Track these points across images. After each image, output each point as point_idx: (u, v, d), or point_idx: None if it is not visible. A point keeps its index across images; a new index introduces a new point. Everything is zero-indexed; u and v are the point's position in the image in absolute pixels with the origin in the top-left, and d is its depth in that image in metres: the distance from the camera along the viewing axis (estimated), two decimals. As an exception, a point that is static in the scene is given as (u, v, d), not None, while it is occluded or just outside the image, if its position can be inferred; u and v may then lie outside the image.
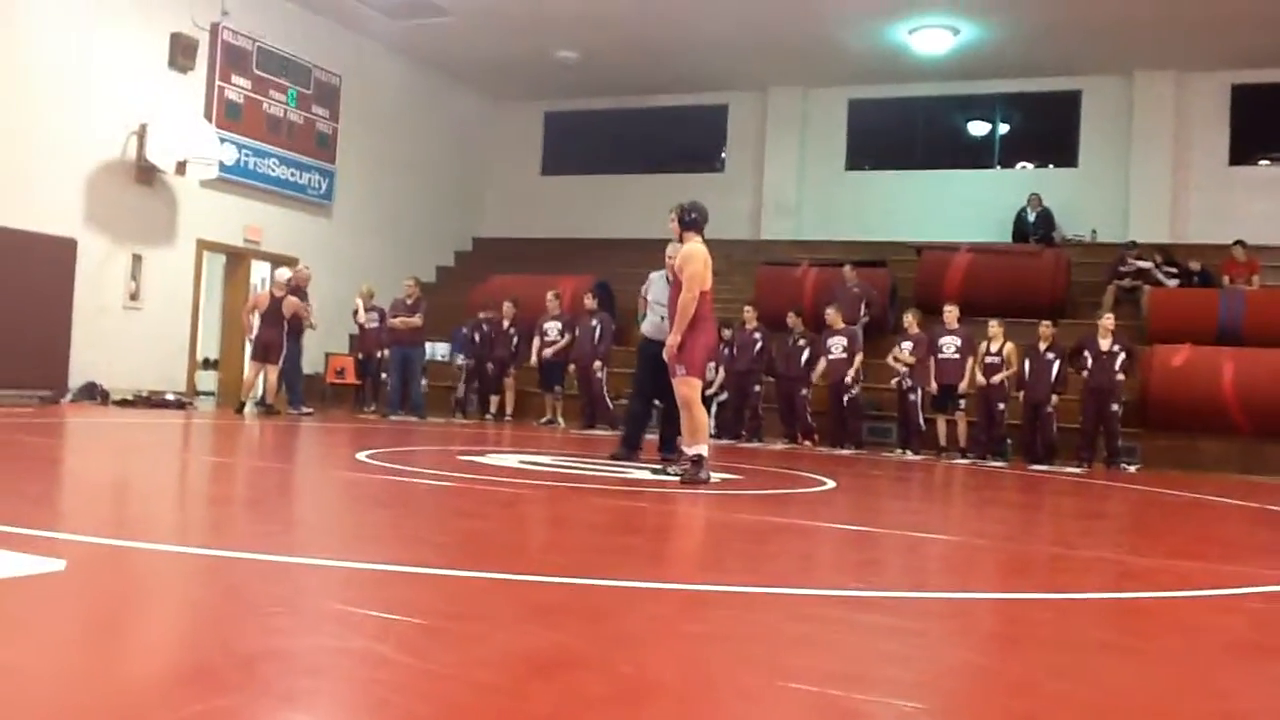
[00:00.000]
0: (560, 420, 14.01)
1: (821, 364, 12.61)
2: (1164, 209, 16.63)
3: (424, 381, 14.55)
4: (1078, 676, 2.57)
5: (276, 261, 15.46)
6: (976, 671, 2.64)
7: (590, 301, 13.88)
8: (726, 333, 12.72)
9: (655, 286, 8.21)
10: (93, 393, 12.49)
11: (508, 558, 3.94)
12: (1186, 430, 12.24)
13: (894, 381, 12.31)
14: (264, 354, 12.73)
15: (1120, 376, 11.53)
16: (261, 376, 12.79)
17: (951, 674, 2.60)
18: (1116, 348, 11.61)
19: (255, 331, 12.79)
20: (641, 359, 8.22)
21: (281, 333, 12.75)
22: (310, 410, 13.23)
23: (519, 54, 17.37)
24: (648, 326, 8.18)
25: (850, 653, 2.72)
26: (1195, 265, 14.76)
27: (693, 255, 6.84)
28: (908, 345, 12.25)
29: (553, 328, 14.12)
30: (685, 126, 19.60)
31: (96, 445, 8.29)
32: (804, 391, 12.84)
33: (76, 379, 12.56)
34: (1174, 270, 14.86)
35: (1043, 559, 4.92)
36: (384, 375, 14.57)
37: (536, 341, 14.15)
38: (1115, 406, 11.52)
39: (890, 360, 12.37)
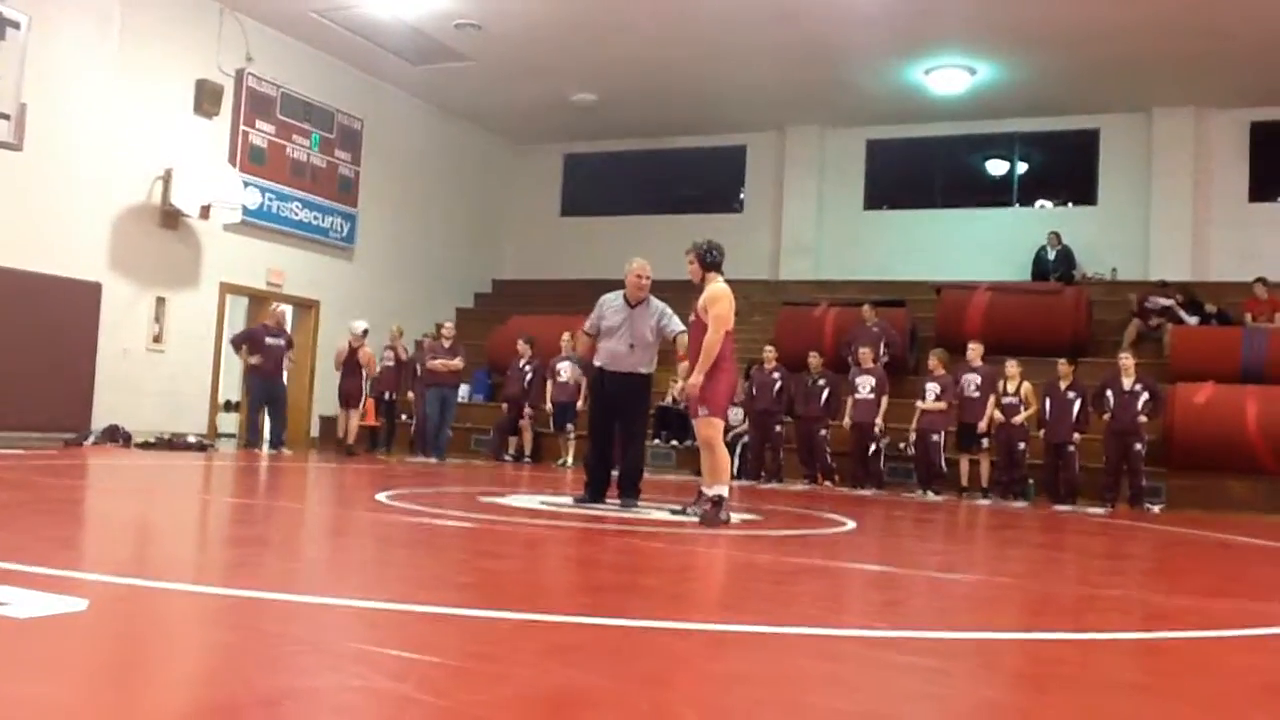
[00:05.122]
0: (569, 460, 13.95)
1: (848, 404, 12.57)
2: (1185, 247, 16.56)
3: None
4: (1104, 717, 2.53)
5: (298, 304, 15.61)
6: (1002, 711, 2.61)
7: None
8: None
9: (611, 309, 7.68)
10: (115, 435, 12.57)
11: (528, 597, 3.93)
12: (1211, 470, 12.13)
13: (914, 426, 12.20)
14: (346, 400, 14.21)
15: (1143, 418, 11.44)
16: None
17: (977, 713, 2.57)
18: (1139, 387, 11.52)
19: (338, 381, 14.25)
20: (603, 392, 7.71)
21: (360, 380, 14.22)
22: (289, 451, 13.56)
23: (538, 97, 17.54)
24: (606, 358, 7.61)
25: (874, 692, 2.69)
26: (1212, 307, 14.71)
27: (719, 296, 6.83)
28: (934, 388, 12.16)
29: (565, 368, 14.15)
30: (704, 167, 19.74)
31: (118, 487, 8.32)
32: (823, 432, 12.80)
33: (100, 421, 12.64)
34: (1195, 309, 14.80)
35: (1068, 599, 4.87)
36: (403, 416, 14.73)
37: (549, 383, 14.19)
38: (1139, 446, 11.42)
39: (920, 405, 12.24)
